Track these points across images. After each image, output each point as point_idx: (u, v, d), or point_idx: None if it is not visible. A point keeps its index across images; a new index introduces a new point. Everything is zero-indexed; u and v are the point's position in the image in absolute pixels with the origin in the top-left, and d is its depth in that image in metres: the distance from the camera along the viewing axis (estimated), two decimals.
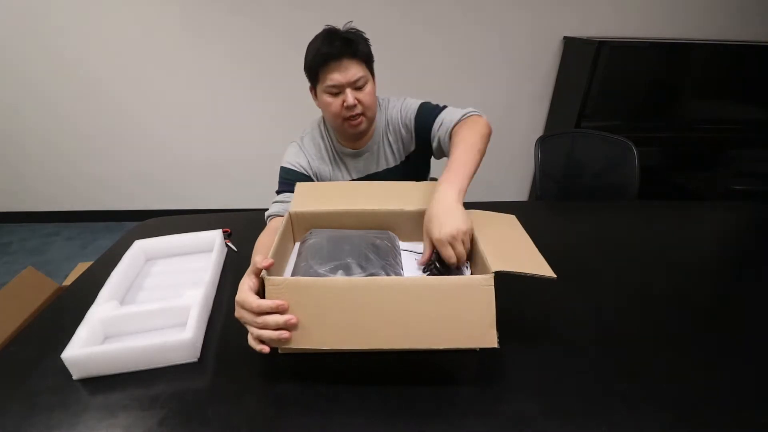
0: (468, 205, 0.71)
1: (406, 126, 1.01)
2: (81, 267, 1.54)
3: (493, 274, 0.54)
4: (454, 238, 0.65)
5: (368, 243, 0.70)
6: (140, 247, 0.89)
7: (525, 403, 0.56)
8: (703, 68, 2.04)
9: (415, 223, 0.75)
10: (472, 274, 0.69)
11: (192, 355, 0.64)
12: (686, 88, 2.09)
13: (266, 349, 0.55)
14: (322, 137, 1.03)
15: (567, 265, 0.68)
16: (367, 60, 0.91)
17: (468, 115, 0.90)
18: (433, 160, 1.09)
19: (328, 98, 0.91)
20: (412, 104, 1.01)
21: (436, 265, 0.69)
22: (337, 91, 0.89)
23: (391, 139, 1.03)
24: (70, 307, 0.78)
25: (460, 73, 2.30)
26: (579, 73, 2.04)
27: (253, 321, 0.55)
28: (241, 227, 1.05)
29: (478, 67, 2.28)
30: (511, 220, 0.77)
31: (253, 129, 2.42)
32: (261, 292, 0.56)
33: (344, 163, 1.05)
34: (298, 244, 0.79)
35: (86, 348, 0.61)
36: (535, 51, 2.24)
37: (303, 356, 0.63)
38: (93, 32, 2.12)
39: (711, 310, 0.77)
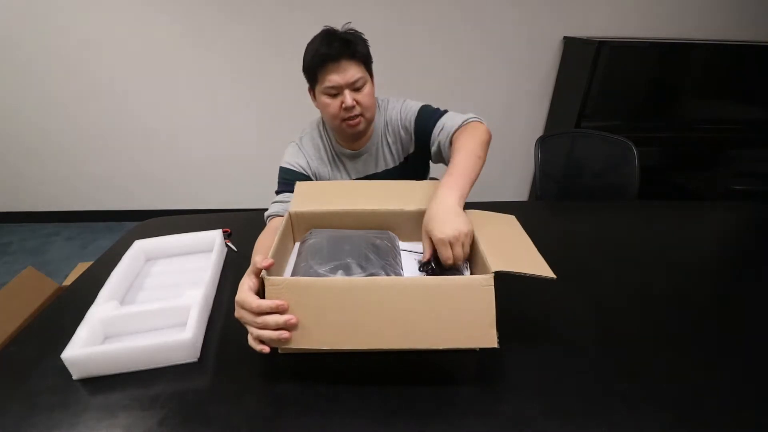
0: (468, 205, 0.71)
1: (405, 128, 1.01)
2: (81, 267, 1.54)
3: (493, 274, 0.54)
4: (455, 239, 0.65)
5: (368, 243, 0.70)
6: (140, 247, 0.89)
7: (525, 403, 0.56)
8: (703, 68, 2.04)
9: (415, 223, 0.75)
10: (472, 274, 0.69)
11: (192, 355, 0.64)
12: (686, 88, 2.09)
13: (266, 349, 0.55)
14: (321, 138, 1.03)
15: (567, 265, 0.68)
16: (366, 61, 0.91)
17: (469, 120, 0.90)
18: (432, 161, 1.09)
19: (326, 99, 0.91)
20: (413, 106, 1.00)
21: (432, 266, 0.69)
22: (336, 92, 0.89)
23: (390, 140, 1.03)
24: (70, 307, 0.78)
25: (460, 73, 2.30)
26: (579, 73, 2.04)
27: (252, 321, 0.55)
28: (241, 227, 1.05)
29: (477, 67, 2.28)
30: (511, 220, 0.77)
31: (253, 129, 2.42)
32: (261, 292, 0.56)
33: (343, 164, 1.05)
34: (298, 244, 0.79)
35: (86, 348, 0.61)
36: (535, 51, 2.24)
37: (303, 356, 0.63)
38: (93, 33, 2.12)
39: (711, 310, 0.77)
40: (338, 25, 0.91)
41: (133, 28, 2.12)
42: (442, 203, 0.70)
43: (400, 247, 0.76)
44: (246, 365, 0.62)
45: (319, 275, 0.62)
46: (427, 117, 0.97)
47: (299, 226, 0.79)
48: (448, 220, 0.67)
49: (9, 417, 0.56)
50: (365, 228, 0.77)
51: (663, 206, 1.21)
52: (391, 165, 1.05)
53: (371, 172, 1.05)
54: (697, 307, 0.77)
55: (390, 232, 0.78)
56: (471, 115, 0.92)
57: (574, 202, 1.42)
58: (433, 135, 0.95)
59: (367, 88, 0.91)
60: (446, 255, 0.65)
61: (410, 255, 0.77)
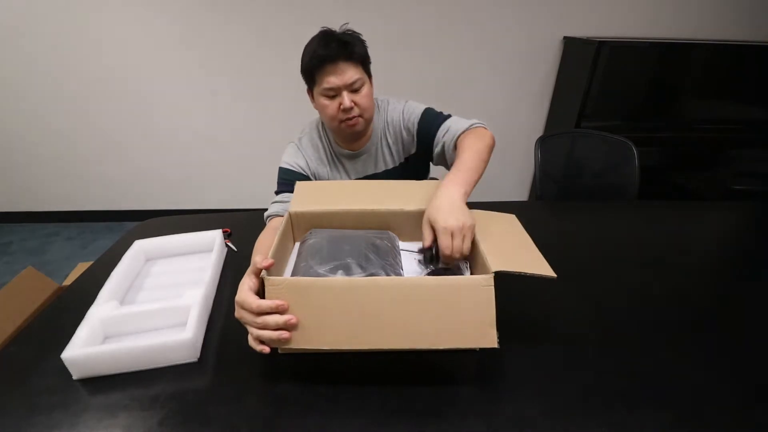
0: (468, 205, 0.71)
1: (408, 129, 1.01)
2: (81, 267, 1.54)
3: (493, 274, 0.54)
4: (459, 230, 0.65)
5: (368, 243, 0.70)
6: (140, 247, 0.89)
7: (525, 403, 0.56)
8: (703, 68, 2.04)
9: (415, 223, 0.75)
10: (472, 274, 0.69)
11: (192, 355, 0.64)
12: (686, 88, 2.09)
13: (266, 349, 0.55)
14: (320, 138, 1.03)
15: (567, 265, 0.68)
16: (364, 62, 0.91)
17: (475, 125, 0.91)
18: (433, 163, 1.09)
19: (324, 101, 0.91)
20: (416, 108, 1.00)
21: (433, 252, 0.68)
22: (334, 93, 0.89)
23: (390, 140, 1.03)
24: (70, 307, 0.78)
25: (460, 74, 2.30)
26: (579, 73, 2.04)
27: (252, 321, 0.55)
28: (241, 227, 1.05)
29: (478, 67, 2.28)
30: (511, 220, 0.77)
31: (253, 129, 2.42)
32: (261, 293, 0.56)
33: (342, 165, 1.05)
34: (298, 244, 0.79)
35: (86, 348, 0.61)
36: (535, 51, 2.24)
37: (303, 356, 0.63)
38: (93, 33, 2.12)
39: (711, 310, 0.77)
40: (338, 26, 0.90)
41: (133, 29, 2.12)
42: (447, 196, 0.70)
43: (400, 247, 0.76)
44: (246, 365, 0.62)
45: (319, 275, 0.62)
46: (431, 120, 0.98)
47: (299, 226, 0.79)
48: (453, 211, 0.67)
49: (9, 417, 0.56)
50: (365, 228, 0.77)
51: (663, 206, 1.21)
52: (390, 165, 1.05)
53: (370, 172, 1.05)
54: (697, 307, 0.77)
55: (390, 232, 0.78)
56: (476, 120, 0.93)
57: (574, 202, 1.42)
58: (437, 137, 0.95)
59: (365, 89, 0.91)
60: (447, 243, 0.65)
61: (410, 255, 0.77)
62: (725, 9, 2.16)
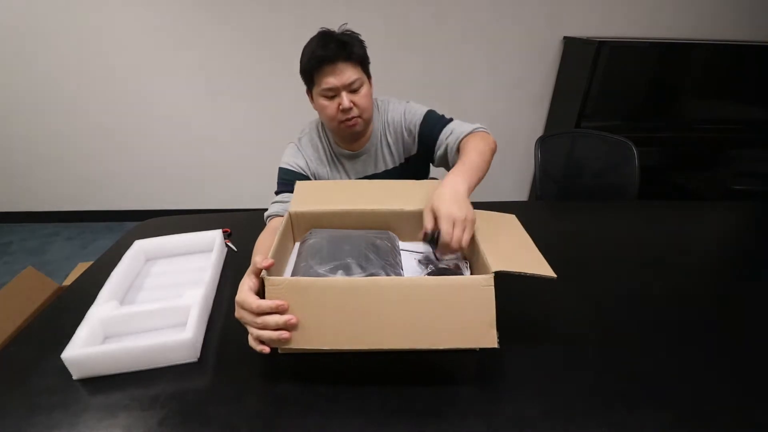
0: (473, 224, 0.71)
1: (409, 130, 1.01)
2: (81, 267, 1.54)
3: (493, 274, 0.54)
4: (462, 220, 0.64)
5: (368, 243, 0.70)
6: (140, 247, 0.89)
7: (525, 403, 0.56)
8: (703, 68, 2.04)
9: (415, 223, 0.75)
10: (472, 274, 0.69)
11: (192, 355, 0.64)
12: (686, 88, 2.09)
13: (266, 349, 0.55)
14: (320, 138, 1.03)
15: (567, 265, 0.68)
16: (363, 62, 0.91)
17: (479, 129, 0.92)
18: (434, 165, 1.09)
19: (323, 101, 0.91)
20: (418, 110, 1.01)
21: (436, 236, 0.66)
22: (333, 94, 0.89)
23: (390, 140, 1.03)
24: (70, 307, 0.78)
25: (460, 74, 2.30)
26: (579, 73, 2.04)
27: (252, 321, 0.55)
28: (241, 227, 1.05)
29: (478, 67, 2.28)
30: (511, 220, 0.77)
31: (252, 129, 2.42)
32: (261, 293, 0.56)
33: (342, 165, 1.05)
34: (298, 244, 0.79)
35: (86, 348, 0.61)
36: (535, 51, 2.24)
37: (303, 356, 0.63)
38: (93, 34, 2.12)
39: (711, 310, 0.77)
40: (337, 26, 0.90)
41: (133, 29, 2.12)
42: (452, 188, 0.70)
43: (400, 247, 0.76)
44: (246, 365, 0.62)
45: (319, 275, 0.62)
46: (434, 122, 0.98)
47: (299, 226, 0.79)
48: (457, 201, 0.67)
49: (9, 417, 0.56)
50: (365, 228, 0.77)
51: (663, 206, 1.21)
52: (390, 166, 1.05)
53: (370, 172, 1.05)
54: (697, 307, 0.77)
55: (390, 232, 0.78)
56: (479, 124, 0.94)
57: (574, 202, 1.42)
58: (440, 138, 0.96)
59: (364, 90, 0.91)
60: (449, 230, 0.64)
61: (410, 255, 0.77)
62: (725, 9, 2.16)
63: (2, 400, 0.58)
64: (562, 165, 1.55)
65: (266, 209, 0.93)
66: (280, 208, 0.90)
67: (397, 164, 1.05)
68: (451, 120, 0.99)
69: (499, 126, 2.44)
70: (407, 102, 1.04)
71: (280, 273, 0.68)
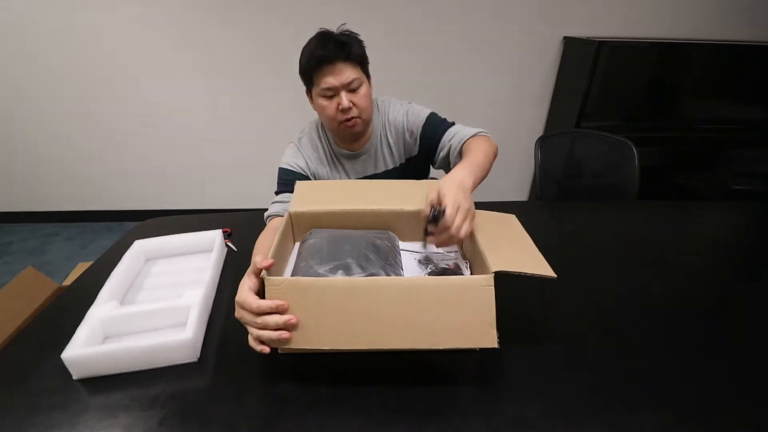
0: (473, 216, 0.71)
1: (411, 131, 1.01)
2: (81, 267, 1.54)
3: (493, 274, 0.54)
4: (466, 210, 0.64)
5: (368, 243, 0.70)
6: (140, 247, 0.89)
7: (525, 403, 0.56)
8: (703, 68, 2.04)
9: (415, 223, 0.75)
10: (472, 274, 0.69)
11: (192, 355, 0.64)
12: (686, 88, 2.09)
13: (266, 349, 0.55)
14: (320, 138, 1.03)
15: (567, 265, 0.68)
16: (362, 62, 0.91)
17: (481, 133, 0.93)
18: (434, 166, 1.09)
19: (323, 101, 0.91)
20: (421, 112, 1.01)
21: (437, 213, 0.65)
22: (332, 94, 0.89)
23: (391, 140, 1.03)
24: (70, 307, 0.78)
25: (460, 74, 2.30)
26: (579, 73, 2.04)
27: (252, 321, 0.55)
28: (241, 227, 1.05)
29: (478, 67, 2.28)
30: (511, 220, 0.77)
31: (252, 129, 2.42)
32: (261, 293, 0.56)
33: (342, 165, 1.05)
34: (298, 244, 0.79)
35: (86, 348, 0.61)
36: (535, 51, 2.24)
37: (303, 356, 0.63)
38: (93, 34, 2.12)
39: (711, 310, 0.77)
40: (337, 27, 0.90)
41: (134, 29, 2.12)
42: (460, 178, 0.70)
43: (400, 247, 0.76)
44: (246, 365, 0.62)
45: (319, 275, 0.62)
46: (437, 124, 0.99)
47: (299, 226, 0.79)
48: (463, 191, 0.67)
49: (9, 417, 0.56)
50: (365, 228, 0.77)
51: (663, 206, 1.21)
52: (391, 166, 1.05)
53: (370, 172, 1.05)
54: (697, 307, 0.77)
55: (390, 232, 0.78)
56: (481, 129, 0.95)
57: (574, 202, 1.42)
58: (443, 140, 0.97)
59: (363, 89, 0.91)
60: (453, 213, 0.63)
61: (410, 255, 0.77)
62: (725, 9, 2.16)
63: (2, 400, 0.58)
64: (562, 165, 1.55)
65: (266, 209, 0.93)
66: (280, 208, 0.90)
67: (398, 164, 1.05)
68: (453, 124, 0.99)
69: (499, 126, 2.44)
70: (409, 103, 1.04)
71: (280, 273, 0.68)
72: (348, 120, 0.91)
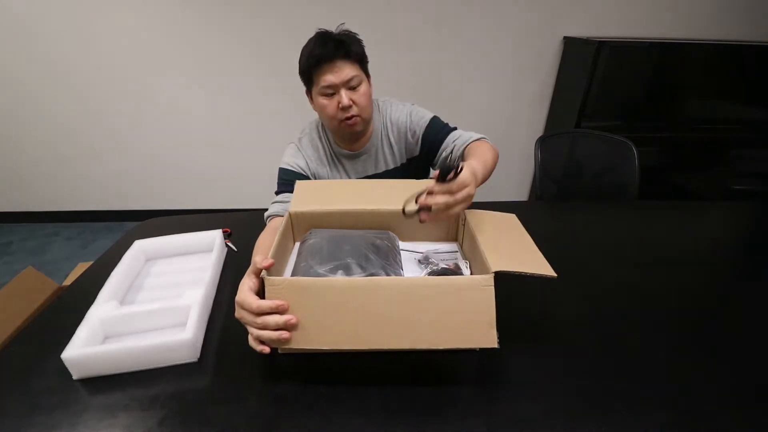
0: (468, 205, 0.71)
1: (413, 131, 1.01)
2: (81, 267, 1.54)
3: (493, 274, 0.54)
4: (466, 193, 0.62)
5: (368, 243, 0.70)
6: (140, 247, 0.89)
7: (525, 403, 0.56)
8: (703, 68, 2.04)
9: (415, 223, 0.75)
10: (472, 274, 0.69)
11: (192, 355, 0.64)
12: (686, 88, 2.09)
13: (266, 349, 0.55)
14: (320, 138, 1.03)
15: (567, 265, 0.68)
16: (361, 60, 0.91)
17: (484, 139, 0.95)
18: (434, 168, 1.10)
19: (323, 100, 0.91)
20: (423, 114, 1.02)
21: (452, 165, 0.62)
22: (332, 92, 0.89)
23: (393, 140, 1.03)
24: (70, 307, 0.78)
25: (460, 74, 2.30)
26: (579, 73, 2.04)
27: (252, 321, 0.55)
28: (241, 227, 1.05)
29: (478, 67, 2.28)
30: (511, 219, 0.77)
31: (252, 129, 2.42)
32: (261, 293, 0.56)
33: (342, 165, 1.05)
34: (298, 244, 0.79)
35: (86, 348, 0.61)
36: (535, 51, 2.24)
37: (303, 356, 0.63)
38: (93, 34, 2.12)
39: (711, 310, 0.77)
40: (336, 27, 0.91)
41: (134, 29, 2.12)
42: (472, 166, 0.68)
43: (400, 247, 0.76)
44: (246, 365, 0.62)
45: (319, 275, 0.62)
46: (439, 128, 1.00)
47: (299, 226, 0.79)
48: (474, 177, 0.65)
49: (9, 417, 0.56)
50: (365, 228, 0.77)
51: (663, 206, 1.21)
52: (391, 166, 1.05)
53: (371, 172, 1.05)
54: (696, 307, 0.77)
55: (390, 232, 0.78)
56: (483, 135, 0.96)
57: (574, 202, 1.42)
58: (446, 142, 0.98)
59: (363, 88, 0.92)
60: (466, 178, 0.62)
61: (410, 255, 0.77)
62: (724, 9, 2.16)
63: (2, 400, 0.58)
64: (562, 165, 1.55)
65: (266, 209, 0.93)
66: (280, 208, 0.90)
67: (399, 164, 1.05)
68: (455, 128, 1.01)
69: (499, 126, 2.44)
70: (412, 104, 1.05)
71: (280, 273, 0.68)
72: (348, 119, 0.91)
